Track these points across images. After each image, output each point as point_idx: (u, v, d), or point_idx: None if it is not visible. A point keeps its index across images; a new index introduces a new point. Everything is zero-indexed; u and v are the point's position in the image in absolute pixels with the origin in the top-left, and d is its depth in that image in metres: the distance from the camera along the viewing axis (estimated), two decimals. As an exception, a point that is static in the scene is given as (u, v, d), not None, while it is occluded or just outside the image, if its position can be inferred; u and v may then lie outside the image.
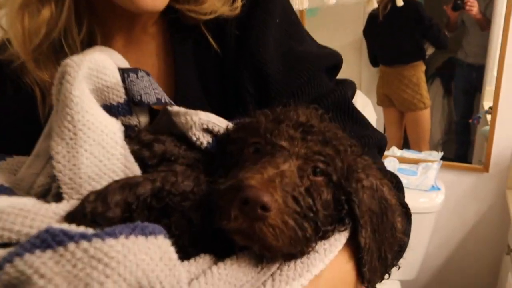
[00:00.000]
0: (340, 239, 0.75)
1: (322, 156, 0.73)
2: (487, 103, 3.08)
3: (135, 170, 0.75)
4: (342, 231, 0.76)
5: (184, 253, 0.65)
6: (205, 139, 0.84)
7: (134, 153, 0.78)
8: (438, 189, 2.78)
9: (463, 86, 3.30)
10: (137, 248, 0.55)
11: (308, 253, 0.69)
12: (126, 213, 0.64)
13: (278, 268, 0.67)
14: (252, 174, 0.63)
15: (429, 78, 3.23)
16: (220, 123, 0.85)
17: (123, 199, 0.64)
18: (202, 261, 0.65)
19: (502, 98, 2.86)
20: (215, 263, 0.65)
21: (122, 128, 0.78)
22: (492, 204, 3.08)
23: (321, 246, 0.72)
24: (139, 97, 0.85)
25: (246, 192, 0.60)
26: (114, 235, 0.55)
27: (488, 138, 2.98)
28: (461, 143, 3.37)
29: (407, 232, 0.87)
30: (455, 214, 3.14)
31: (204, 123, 0.83)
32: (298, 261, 0.68)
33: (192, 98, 0.96)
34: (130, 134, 0.83)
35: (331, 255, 0.72)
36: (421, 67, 3.28)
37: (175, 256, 0.58)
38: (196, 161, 0.81)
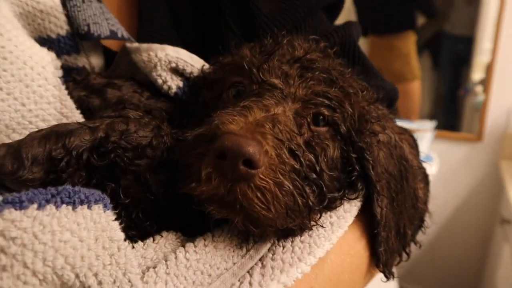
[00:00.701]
0: (350, 210, 0.62)
1: (326, 99, 0.60)
2: (477, 75, 3.16)
3: (76, 119, 0.61)
4: (353, 199, 0.63)
5: (138, 231, 0.53)
6: (174, 83, 0.71)
7: (79, 101, 0.65)
8: (430, 159, 2.64)
9: (450, 58, 3.34)
10: (57, 224, 0.40)
11: (310, 228, 0.56)
12: (52, 174, 0.49)
13: (269, 249, 0.54)
14: (232, 117, 0.51)
15: (419, 51, 3.27)
16: (193, 62, 0.72)
17: (46, 153, 0.49)
18: (163, 242, 0.52)
19: (498, 69, 2.92)
20: (182, 244, 0.53)
21: (58, 63, 0.62)
22: (484, 174, 3.04)
23: (327, 219, 0.59)
24: (85, 28, 0.69)
25: (223, 141, 0.47)
26: (19, 204, 0.39)
27: (482, 109, 3.02)
28: (449, 114, 3.41)
29: (427, 202, 0.76)
30: (447, 185, 3.17)
31: (172, 61, 0.70)
32: (297, 239, 0.56)
33: (160, 33, 0.80)
34: (75, 78, 0.69)
35: (339, 231, 0.59)
36: (411, 38, 3.23)
37: (120, 235, 0.45)
38: (162, 112, 0.66)
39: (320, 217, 0.57)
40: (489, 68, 2.98)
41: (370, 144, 0.63)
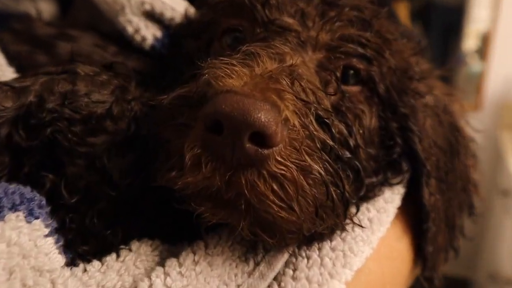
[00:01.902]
0: (393, 199, 0.51)
1: (360, 46, 0.49)
2: (470, 44, 3.08)
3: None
4: (395, 184, 0.51)
5: (94, 245, 0.39)
6: (149, 32, 0.59)
7: (18, 57, 0.53)
8: None
9: (441, 28, 3.22)
10: None
11: (344, 228, 0.44)
12: None
13: (288, 263, 0.42)
14: (231, 68, 0.38)
15: (410, 21, 3.22)
16: (174, 4, 0.59)
17: None
18: (132, 260, 0.38)
19: (498, 38, 2.83)
20: (161, 261, 0.39)
21: None
22: (483, 144, 2.96)
23: (364, 214, 0.48)
24: None
25: (218, 104, 0.34)
26: None
27: (480, 78, 2.93)
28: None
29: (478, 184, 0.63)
30: None
31: (146, 2, 0.58)
32: (326, 246, 0.43)
33: None
34: (14, 27, 0.57)
35: (381, 230, 0.47)
36: (402, 8, 3.15)
37: (56, 261, 0.33)
38: (134, 73, 0.53)
39: (357, 212, 0.46)
40: (487, 37, 2.85)
41: (415, 109, 0.52)
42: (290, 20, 0.47)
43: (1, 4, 0.58)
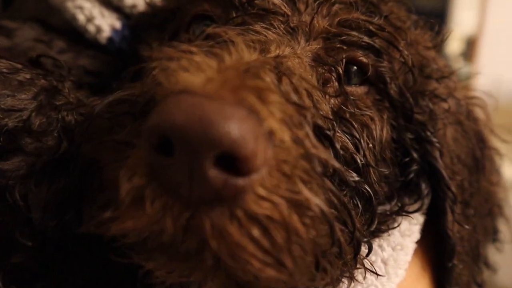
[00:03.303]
0: (410, 232, 0.41)
1: (366, 35, 0.38)
2: (454, 46, 3.00)
3: None
4: (411, 212, 0.42)
5: None
6: (105, 22, 0.51)
7: None
8: None
9: None
10: None
11: (352, 278, 0.34)
12: None
13: None
14: (189, 58, 0.27)
15: None
16: None
17: None
18: None
19: (485, 41, 2.84)
20: None
21: None
22: None
23: (377, 254, 0.38)
24: None
25: (168, 111, 0.24)
26: None
27: (467, 80, 3.02)
28: None
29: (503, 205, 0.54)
30: None
31: None
32: None
33: None
34: None
35: (398, 275, 0.38)
36: None
37: None
38: (84, 73, 0.47)
39: (369, 253, 0.37)
40: (473, 40, 2.86)
41: (435, 116, 0.42)
42: (276, 0, 0.38)
43: None
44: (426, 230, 0.44)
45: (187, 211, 0.25)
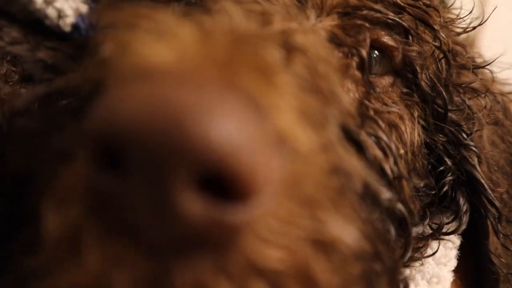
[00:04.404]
0: (447, 259, 0.34)
1: (392, 9, 0.31)
2: None
3: None
4: (448, 234, 0.34)
5: None
6: (69, 5, 0.44)
7: None
8: None
9: None
10: None
11: None
12: None
13: None
14: (157, 24, 0.17)
15: None
16: None
17: None
18: None
19: (485, 42, 2.97)
20: None
21: None
22: None
23: None
24: None
25: (118, 103, 0.14)
26: None
27: None
28: None
29: None
30: None
31: None
32: None
33: None
34: None
35: None
36: None
37: None
38: (43, 67, 0.41)
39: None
40: (474, 33, 3.23)
41: (471, 115, 0.36)
42: None
43: None
44: (462, 253, 0.36)
45: (150, 263, 0.16)
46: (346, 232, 0.19)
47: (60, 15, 0.45)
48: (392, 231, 0.27)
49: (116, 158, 0.15)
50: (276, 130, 0.17)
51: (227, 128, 0.15)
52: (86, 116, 0.16)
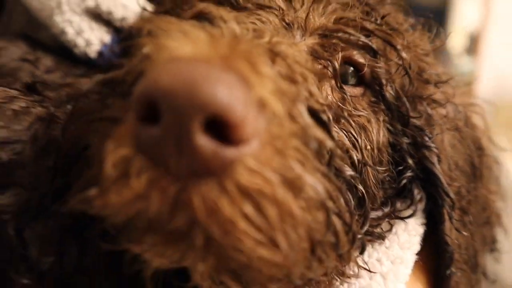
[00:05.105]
0: (410, 244, 0.40)
1: (363, 33, 0.38)
2: (457, 42, 2.96)
3: None
4: (404, 218, 0.41)
5: None
6: (95, 35, 0.50)
7: None
8: None
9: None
10: None
11: (345, 276, 0.35)
12: None
13: None
14: (181, 29, 0.26)
15: None
16: (126, 1, 0.50)
17: None
18: None
19: (489, 37, 2.80)
20: None
21: None
22: None
23: (376, 266, 0.37)
24: None
25: (157, 75, 0.23)
26: None
27: (471, 76, 2.84)
28: None
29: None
30: None
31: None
32: None
33: None
34: None
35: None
36: None
37: None
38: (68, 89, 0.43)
39: (362, 251, 0.36)
40: (477, 35, 2.86)
41: (433, 121, 0.42)
42: None
43: None
44: (425, 240, 0.43)
45: (175, 185, 0.23)
46: (308, 177, 0.26)
47: (88, 43, 0.50)
48: (353, 203, 0.32)
49: (153, 115, 0.22)
50: (258, 98, 0.24)
51: (224, 91, 0.22)
52: (134, 89, 0.24)
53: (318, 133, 0.27)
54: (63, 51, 0.52)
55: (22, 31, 0.54)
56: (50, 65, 0.49)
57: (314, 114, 0.28)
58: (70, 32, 0.49)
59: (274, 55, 0.27)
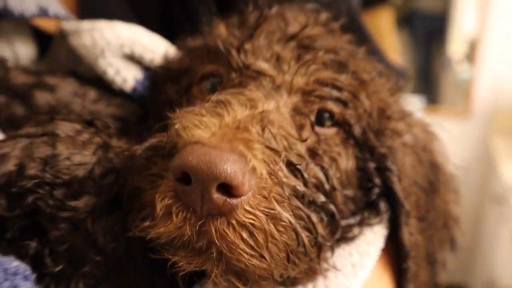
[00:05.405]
0: (375, 242, 0.50)
1: (335, 90, 0.49)
2: (457, 49, 3.08)
3: None
4: (373, 224, 0.52)
5: None
6: (129, 73, 0.58)
7: None
8: None
9: (425, 35, 3.30)
10: None
11: (321, 272, 0.45)
12: None
13: None
14: (200, 118, 0.38)
15: (399, 27, 3.18)
16: (153, 47, 0.59)
17: None
18: None
19: (487, 43, 2.81)
20: None
21: None
22: (474, 151, 2.99)
23: (347, 259, 0.48)
24: (1, 3, 0.55)
25: (186, 156, 0.35)
26: None
27: (470, 84, 2.94)
28: (426, 90, 3.28)
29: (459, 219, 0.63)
30: None
31: (126, 45, 0.57)
32: None
33: (108, 6, 0.65)
34: None
35: (363, 275, 0.48)
36: (386, 13, 3.14)
37: None
38: (113, 120, 0.54)
39: (332, 255, 0.47)
40: (475, 42, 2.84)
41: (394, 149, 0.51)
42: (264, 65, 0.47)
43: None
44: (390, 240, 0.52)
45: (199, 221, 0.35)
46: (283, 212, 0.37)
47: (124, 81, 0.57)
48: (325, 219, 0.44)
49: (186, 178, 0.34)
50: (251, 167, 0.35)
51: (229, 168, 0.34)
52: (172, 159, 0.36)
53: (292, 182, 0.39)
54: (103, 84, 0.58)
55: (65, 65, 0.61)
56: (95, 97, 0.56)
57: (291, 164, 0.40)
58: (110, 73, 0.56)
59: (265, 124, 0.39)
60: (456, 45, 3.02)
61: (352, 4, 0.69)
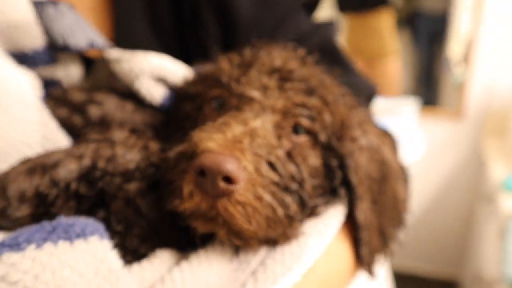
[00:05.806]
0: (337, 216, 0.64)
1: (305, 110, 0.62)
2: (456, 50, 3.09)
3: (60, 141, 0.58)
4: (336, 204, 0.65)
5: (134, 255, 0.53)
6: (158, 92, 0.69)
7: (62, 120, 0.61)
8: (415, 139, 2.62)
9: (427, 36, 3.32)
10: (57, 262, 0.41)
11: (295, 236, 0.58)
12: (40, 208, 0.48)
13: (261, 263, 0.56)
14: (210, 134, 0.52)
15: (399, 28, 3.21)
16: (176, 71, 0.70)
17: (34, 188, 0.43)
18: (159, 262, 0.52)
19: (480, 44, 2.82)
20: (178, 262, 0.53)
21: (38, 83, 0.60)
22: (466, 151, 3.07)
23: (315, 228, 0.61)
24: (61, 40, 0.64)
25: (202, 159, 0.49)
26: (17, 247, 0.39)
27: (463, 85, 2.97)
28: (426, 92, 3.35)
29: (408, 202, 0.75)
30: (428, 164, 3.06)
31: (156, 70, 0.68)
32: (287, 251, 0.57)
33: (138, 38, 0.76)
34: (54, 94, 0.65)
35: (327, 239, 0.61)
36: (386, 15, 3.11)
37: (118, 264, 0.46)
38: (148, 128, 0.66)
39: (302, 225, 0.59)
40: (469, 44, 2.89)
41: (351, 151, 0.64)
42: (255, 93, 0.60)
43: (41, 74, 0.66)
44: (350, 218, 0.65)
45: (211, 199, 0.48)
46: (265, 195, 0.50)
47: (153, 98, 0.67)
48: (297, 200, 0.56)
49: (202, 172, 0.46)
50: (243, 166, 0.48)
51: (229, 166, 0.46)
52: (192, 161, 0.48)
53: (271, 175, 0.52)
54: (136, 98, 0.68)
55: (105, 83, 0.70)
56: (132, 109, 0.67)
57: (271, 164, 0.52)
58: (144, 92, 0.67)
59: (253, 137, 0.52)
60: (455, 46, 3.05)
61: (327, 34, 0.82)
